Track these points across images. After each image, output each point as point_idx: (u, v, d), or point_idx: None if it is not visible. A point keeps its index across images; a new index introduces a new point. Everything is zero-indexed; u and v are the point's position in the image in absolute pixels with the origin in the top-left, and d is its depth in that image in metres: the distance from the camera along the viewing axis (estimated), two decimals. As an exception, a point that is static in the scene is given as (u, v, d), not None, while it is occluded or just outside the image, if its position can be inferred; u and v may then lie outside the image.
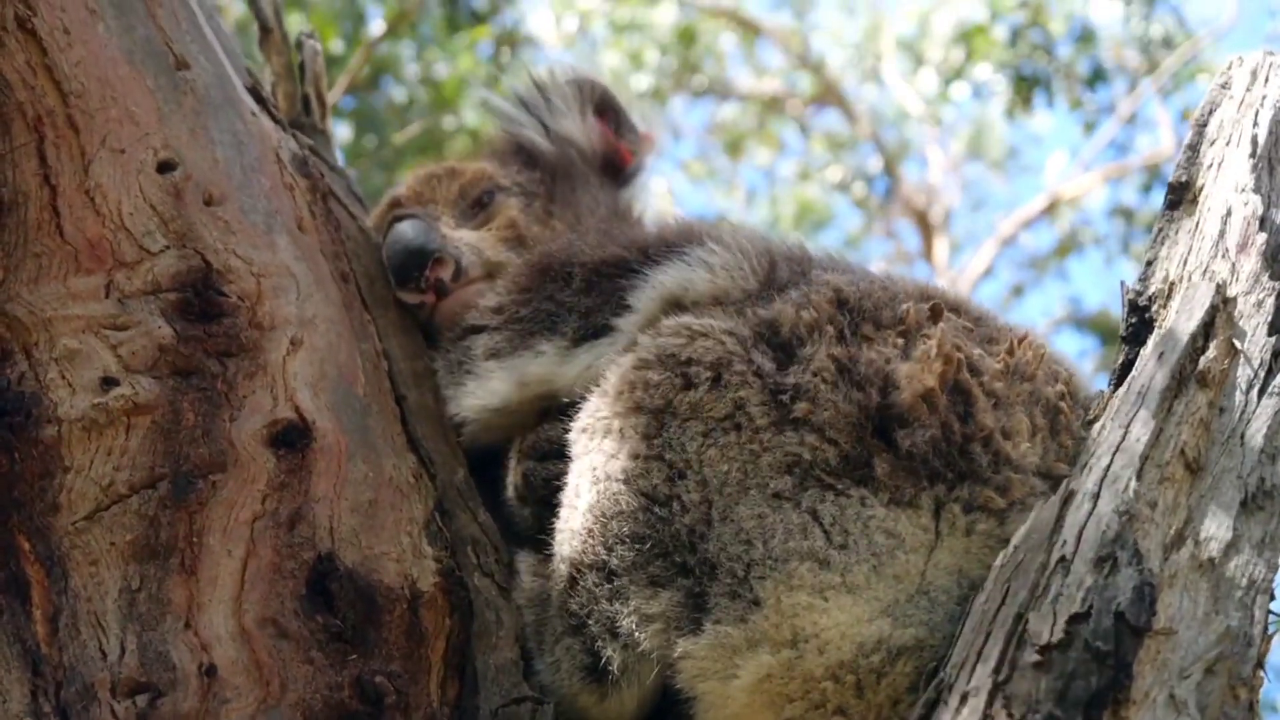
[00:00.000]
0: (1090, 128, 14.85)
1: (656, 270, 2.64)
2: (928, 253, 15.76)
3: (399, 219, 3.05)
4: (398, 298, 2.92)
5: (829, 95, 16.74)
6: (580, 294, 2.71)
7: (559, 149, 3.23)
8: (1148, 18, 13.46)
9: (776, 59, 17.50)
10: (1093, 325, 15.97)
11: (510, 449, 2.74)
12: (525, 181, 3.19)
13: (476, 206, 3.15)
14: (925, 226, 16.13)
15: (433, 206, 3.12)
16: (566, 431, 2.51)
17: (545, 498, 2.58)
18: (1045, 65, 13.61)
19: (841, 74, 16.97)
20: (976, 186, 18.55)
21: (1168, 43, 13.69)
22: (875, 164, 17.48)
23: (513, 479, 2.70)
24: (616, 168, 3.31)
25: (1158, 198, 14.46)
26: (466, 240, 3.05)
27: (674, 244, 2.69)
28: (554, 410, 2.62)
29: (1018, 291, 16.86)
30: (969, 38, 13.99)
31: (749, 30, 16.54)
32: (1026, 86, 13.67)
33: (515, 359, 2.70)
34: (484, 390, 2.73)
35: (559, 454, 2.54)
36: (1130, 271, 15.57)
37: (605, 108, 3.32)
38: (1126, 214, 15.32)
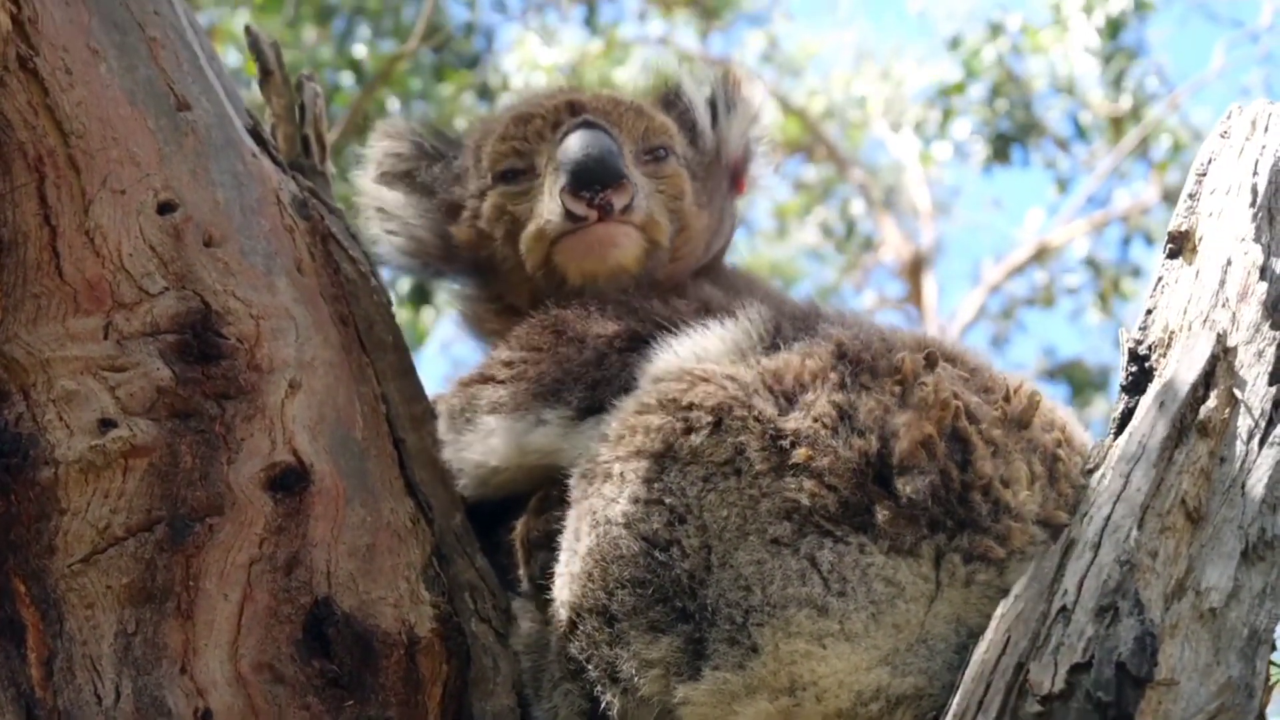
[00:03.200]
0: (1063, 186, 14.97)
1: (665, 348, 2.61)
2: (916, 299, 15.79)
3: (591, 125, 2.91)
4: (563, 203, 2.81)
5: (811, 142, 16.79)
6: (590, 365, 2.67)
7: (715, 145, 3.14)
8: (1122, 77, 13.57)
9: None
10: (1066, 374, 16.04)
11: (516, 524, 2.68)
12: (690, 158, 3.08)
13: (650, 155, 3.00)
14: (914, 273, 16.17)
15: (616, 131, 2.95)
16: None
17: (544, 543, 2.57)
18: (1021, 123, 13.74)
19: (823, 120, 17.03)
20: (951, 239, 18.67)
21: (1142, 102, 13.81)
22: (857, 208, 17.54)
23: (525, 571, 2.64)
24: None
25: (1136, 250, 14.60)
26: (640, 181, 2.93)
27: (690, 321, 2.66)
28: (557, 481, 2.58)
29: (996, 342, 16.93)
30: (946, 95, 14.13)
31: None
32: (1004, 143, 13.80)
33: (517, 421, 2.66)
34: (483, 446, 2.69)
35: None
36: (1098, 321, 15.69)
37: (755, 137, 3.23)
38: (1096, 267, 15.42)
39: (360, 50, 10.84)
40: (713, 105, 3.16)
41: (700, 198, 3.04)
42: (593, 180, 2.80)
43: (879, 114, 16.41)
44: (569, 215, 2.82)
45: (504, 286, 3.04)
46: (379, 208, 3.10)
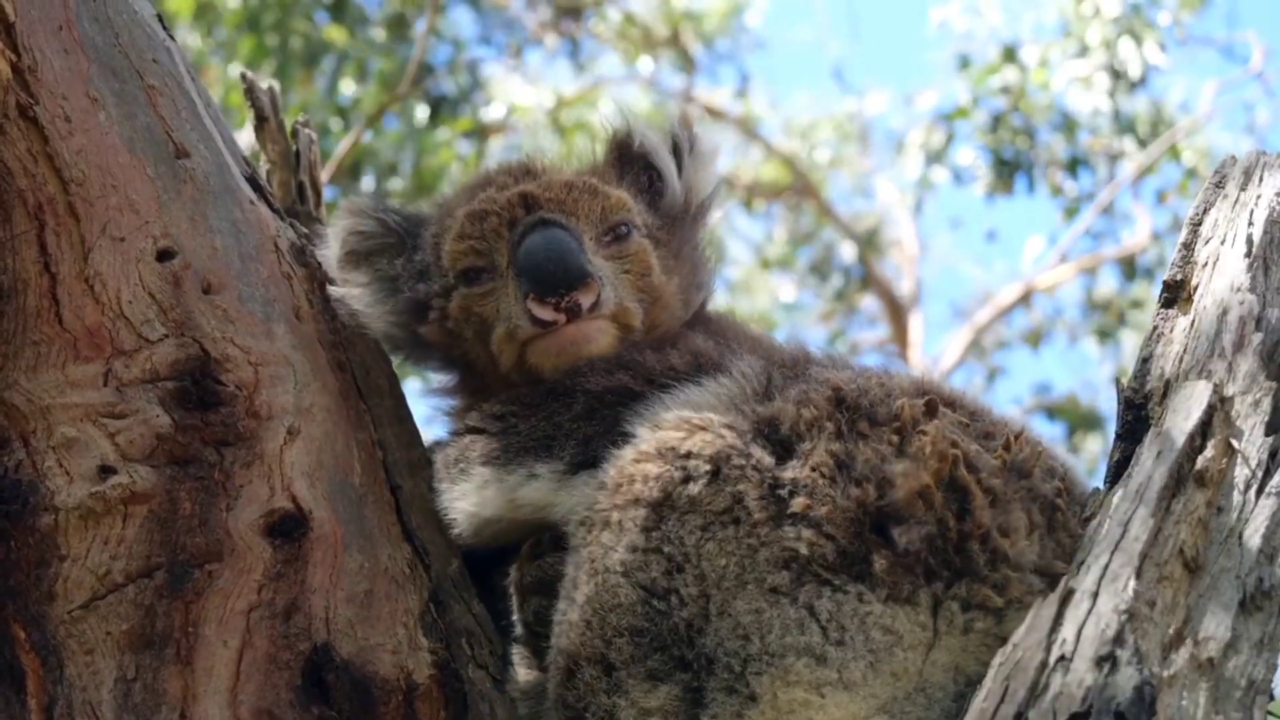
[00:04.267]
0: (1071, 213, 14.98)
1: (659, 403, 2.61)
2: (901, 341, 15.81)
3: (549, 223, 2.83)
4: (534, 308, 2.73)
5: (797, 184, 16.81)
6: (580, 420, 2.67)
7: (682, 198, 3.07)
8: (1124, 111, 13.61)
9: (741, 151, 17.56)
10: (1061, 412, 16.03)
11: (511, 569, 2.68)
12: (650, 225, 2.99)
13: (610, 235, 2.91)
14: (898, 315, 16.18)
15: (573, 221, 2.87)
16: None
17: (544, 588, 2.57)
18: (1026, 150, 13.77)
19: (810, 161, 17.06)
20: (940, 276, 18.71)
21: (1149, 134, 13.84)
22: (843, 251, 17.56)
23: (519, 617, 2.64)
24: None
25: (1136, 286, 14.61)
26: (604, 271, 2.84)
27: (683, 374, 2.67)
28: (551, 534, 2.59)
29: (991, 377, 16.94)
30: (950, 120, 14.15)
31: (712, 117, 16.57)
32: (1007, 170, 13.82)
33: (509, 474, 2.66)
34: (477, 497, 2.69)
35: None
36: (1092, 357, 15.70)
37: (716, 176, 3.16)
38: (1104, 306, 15.41)
39: (349, 91, 10.86)
40: (676, 154, 3.09)
41: (668, 263, 2.97)
42: (556, 286, 2.73)
43: (859, 157, 16.45)
44: (536, 322, 2.76)
45: (480, 381, 2.98)
46: (345, 299, 2.92)
